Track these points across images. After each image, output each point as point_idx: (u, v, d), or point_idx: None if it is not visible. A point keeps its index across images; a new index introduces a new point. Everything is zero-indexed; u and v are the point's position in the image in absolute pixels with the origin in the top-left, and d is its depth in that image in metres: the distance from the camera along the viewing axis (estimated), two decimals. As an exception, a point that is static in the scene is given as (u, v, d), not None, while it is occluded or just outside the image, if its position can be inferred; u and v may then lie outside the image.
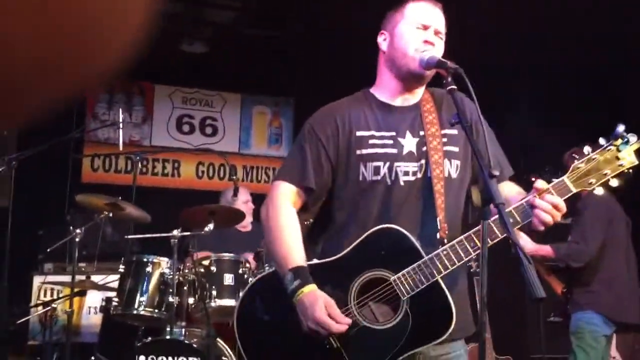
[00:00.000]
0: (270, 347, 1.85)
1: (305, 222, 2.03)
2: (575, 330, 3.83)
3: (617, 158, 1.71)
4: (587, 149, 1.73)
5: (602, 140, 1.72)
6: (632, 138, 1.71)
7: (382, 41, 1.91)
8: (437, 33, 1.85)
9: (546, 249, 3.80)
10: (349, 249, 1.79)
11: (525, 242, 3.75)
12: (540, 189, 1.70)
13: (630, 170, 1.73)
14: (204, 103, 6.65)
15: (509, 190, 1.88)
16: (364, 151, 1.83)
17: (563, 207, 1.68)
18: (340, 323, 1.67)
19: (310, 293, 1.70)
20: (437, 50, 1.83)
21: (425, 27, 1.83)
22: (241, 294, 1.96)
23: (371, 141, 1.84)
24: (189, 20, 5.33)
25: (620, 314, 3.80)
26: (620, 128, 1.70)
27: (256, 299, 1.89)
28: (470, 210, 1.96)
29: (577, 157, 1.73)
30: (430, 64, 1.77)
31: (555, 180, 1.72)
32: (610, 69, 5.46)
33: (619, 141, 1.70)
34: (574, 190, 1.71)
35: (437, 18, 1.86)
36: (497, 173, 1.52)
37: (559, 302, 4.16)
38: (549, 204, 1.67)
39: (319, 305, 1.67)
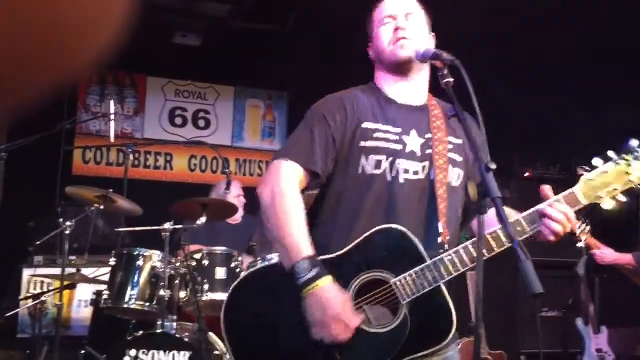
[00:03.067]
0: (259, 344, 1.76)
1: None
2: None
3: (627, 173, 1.65)
4: (597, 160, 1.68)
5: (611, 154, 1.67)
6: None
7: (370, 51, 1.96)
8: (407, 15, 1.87)
9: (627, 258, 3.69)
10: (349, 246, 1.71)
11: (606, 251, 3.72)
12: (548, 196, 1.67)
13: None
14: (197, 95, 6.61)
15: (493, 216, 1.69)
16: (368, 143, 1.79)
17: (574, 217, 1.65)
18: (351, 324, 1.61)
19: (329, 286, 1.61)
20: (413, 31, 1.84)
21: (393, 17, 1.86)
22: (231, 287, 1.84)
23: (376, 134, 1.80)
24: (183, 13, 5.29)
25: None
26: (634, 142, 1.65)
27: (247, 294, 1.79)
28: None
29: (587, 168, 1.69)
30: (425, 56, 1.76)
31: (565, 192, 1.68)
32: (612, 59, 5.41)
33: (630, 156, 1.65)
34: (584, 203, 1.67)
35: (400, 3, 1.89)
36: (493, 166, 1.50)
37: None
38: (561, 213, 1.64)
39: (343, 298, 1.60)
